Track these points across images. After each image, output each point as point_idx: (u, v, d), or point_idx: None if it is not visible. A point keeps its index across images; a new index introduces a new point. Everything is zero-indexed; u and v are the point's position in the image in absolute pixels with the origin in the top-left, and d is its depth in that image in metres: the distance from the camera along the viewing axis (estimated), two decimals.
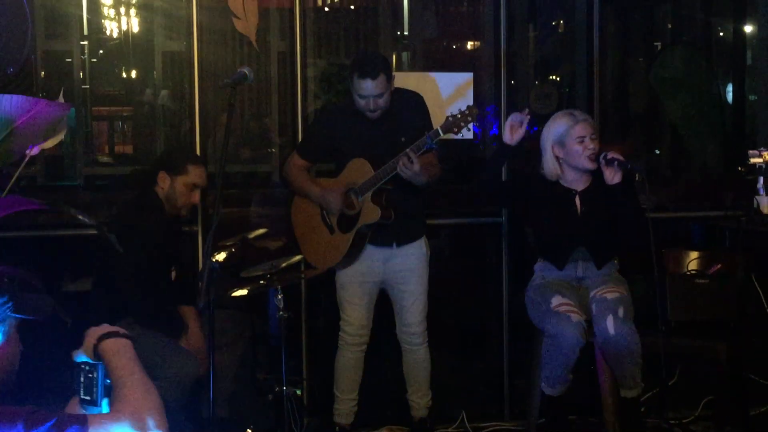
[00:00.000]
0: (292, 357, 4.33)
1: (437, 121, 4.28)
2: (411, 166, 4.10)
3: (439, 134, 4.12)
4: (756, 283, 4.72)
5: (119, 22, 7.57)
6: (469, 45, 7.50)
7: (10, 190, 3.27)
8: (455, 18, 7.39)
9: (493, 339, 5.27)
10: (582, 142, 4.26)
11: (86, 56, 7.77)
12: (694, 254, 4.76)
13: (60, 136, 3.37)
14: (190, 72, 4.86)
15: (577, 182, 4.37)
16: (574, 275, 4.36)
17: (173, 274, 4.34)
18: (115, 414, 2.06)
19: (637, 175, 4.25)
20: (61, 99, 3.45)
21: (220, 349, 4.18)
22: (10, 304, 2.14)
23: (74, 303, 4.44)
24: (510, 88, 5.25)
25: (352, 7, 7.71)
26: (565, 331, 4.07)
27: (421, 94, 4.50)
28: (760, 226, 4.67)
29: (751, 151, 4.94)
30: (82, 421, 2.00)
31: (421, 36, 7.21)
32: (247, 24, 5.02)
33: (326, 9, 7.75)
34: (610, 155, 4.21)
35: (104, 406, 2.18)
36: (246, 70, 3.57)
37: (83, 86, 7.81)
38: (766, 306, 4.72)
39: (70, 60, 7.71)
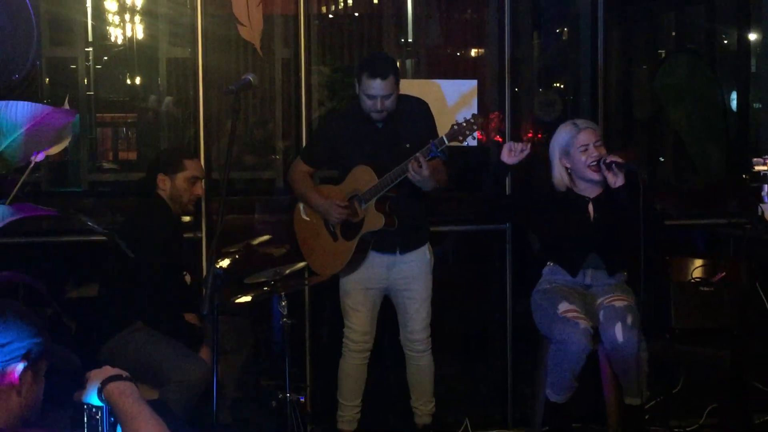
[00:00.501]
0: (295, 363, 4.32)
1: (442, 128, 4.28)
2: (420, 170, 4.09)
3: (444, 143, 4.12)
4: (760, 291, 4.71)
5: (124, 28, 7.58)
6: (474, 52, 7.49)
7: (14, 196, 3.28)
8: (459, 25, 7.39)
9: (497, 346, 5.27)
10: (585, 150, 4.28)
11: (91, 63, 7.79)
12: (698, 262, 4.76)
13: (65, 143, 3.38)
14: (194, 79, 4.88)
15: (589, 190, 4.38)
16: (582, 282, 4.37)
17: (188, 278, 4.36)
18: None
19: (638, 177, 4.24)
20: (66, 106, 3.46)
21: (224, 356, 4.17)
22: (40, 342, 2.17)
23: (78, 309, 4.46)
24: (514, 96, 5.25)
25: (357, 14, 7.72)
26: (573, 338, 4.07)
27: (426, 101, 4.50)
28: (764, 234, 4.65)
29: (755, 159, 4.92)
30: None
31: (426, 43, 7.22)
32: (251, 31, 5.02)
33: (330, 16, 7.76)
34: (608, 159, 4.22)
35: None
36: (251, 77, 3.58)
37: (88, 93, 7.82)
38: None
39: (74, 66, 7.72)
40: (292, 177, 4.55)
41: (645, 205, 4.09)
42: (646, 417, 4.36)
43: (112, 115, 8.67)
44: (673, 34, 7.31)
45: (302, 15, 4.99)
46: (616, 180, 4.21)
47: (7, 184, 3.37)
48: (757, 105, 6.33)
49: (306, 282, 4.54)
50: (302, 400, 4.20)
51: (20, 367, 2.15)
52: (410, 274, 4.44)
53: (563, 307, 4.20)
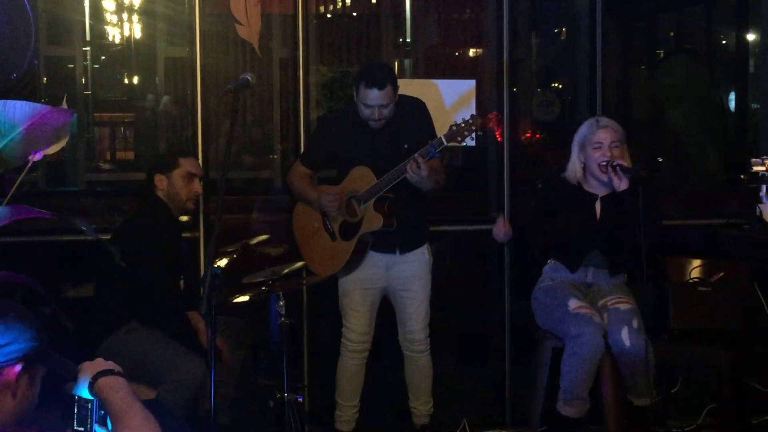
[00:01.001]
0: (293, 363, 4.31)
1: (440, 128, 4.27)
2: (419, 171, 4.09)
3: (443, 143, 4.11)
4: (758, 291, 4.72)
5: (122, 28, 7.59)
6: (472, 52, 7.50)
7: (12, 196, 3.27)
8: (458, 25, 7.39)
9: (495, 345, 5.27)
10: (599, 148, 4.27)
11: (89, 62, 7.79)
12: (696, 262, 4.76)
13: (63, 143, 3.36)
14: (192, 78, 4.87)
15: (598, 189, 4.37)
16: (583, 280, 4.37)
17: (182, 283, 4.36)
18: None
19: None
20: (64, 105, 3.45)
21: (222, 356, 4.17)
22: (39, 345, 2.17)
23: (75, 308, 4.45)
24: (512, 96, 5.24)
25: (355, 14, 7.72)
26: (588, 331, 4.07)
27: (424, 101, 4.49)
28: (762, 234, 4.67)
29: (753, 159, 4.95)
30: None
31: (424, 43, 7.22)
32: (249, 30, 5.02)
33: (329, 16, 7.76)
34: (615, 162, 4.21)
35: None
36: (249, 76, 3.57)
37: (85, 92, 7.83)
38: None
39: (72, 66, 7.73)
40: (290, 179, 4.55)
41: (645, 210, 4.08)
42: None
43: (110, 114, 8.68)
44: (672, 34, 7.32)
45: (300, 14, 4.98)
46: (620, 183, 4.19)
47: (5, 183, 3.36)
48: (755, 105, 6.34)
49: (304, 282, 4.54)
50: (300, 400, 4.19)
51: (17, 368, 2.14)
52: (409, 274, 4.44)
53: (574, 303, 4.19)
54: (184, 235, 4.61)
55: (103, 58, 8.02)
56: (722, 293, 4.48)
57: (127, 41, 7.63)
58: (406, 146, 4.25)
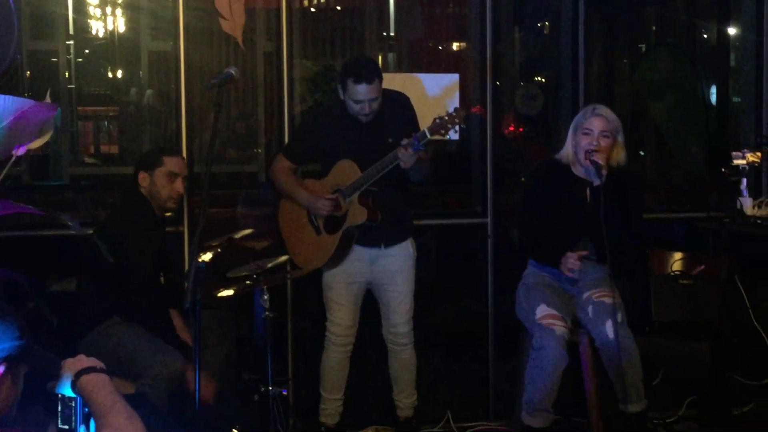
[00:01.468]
0: (277, 357, 4.32)
1: (423, 122, 4.28)
2: (411, 154, 4.08)
3: (426, 136, 4.11)
4: (739, 284, 4.75)
5: (105, 21, 7.57)
6: (455, 46, 7.52)
7: None
8: (441, 19, 7.41)
9: (479, 339, 5.28)
10: (588, 135, 4.24)
11: (72, 56, 7.77)
12: (678, 255, 4.78)
13: (46, 137, 3.37)
14: (176, 72, 4.86)
15: (585, 174, 4.32)
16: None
17: (162, 279, 4.36)
18: None
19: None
20: (47, 99, 3.45)
21: (206, 350, 4.17)
22: (22, 344, 2.16)
23: (59, 303, 4.44)
24: (496, 89, 5.26)
25: (339, 7, 7.73)
26: (549, 344, 4.08)
27: (408, 95, 4.50)
28: (743, 228, 4.70)
29: (734, 153, 4.98)
30: None
31: (408, 37, 7.23)
32: (233, 24, 5.01)
33: (313, 10, 7.77)
34: (594, 157, 4.19)
35: None
36: (233, 71, 3.57)
37: (69, 86, 7.81)
38: (749, 306, 4.74)
39: (55, 60, 7.71)
40: (274, 174, 4.54)
41: (630, 203, 4.08)
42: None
43: (94, 108, 8.66)
44: (654, 28, 7.35)
45: (284, 8, 4.97)
46: (595, 179, 4.19)
47: None
48: (736, 99, 6.37)
49: (288, 276, 4.55)
50: (284, 393, 4.21)
51: (0, 369, 2.13)
52: (393, 268, 4.46)
53: (540, 312, 4.19)
54: (168, 229, 4.61)
55: (87, 52, 8.01)
56: (704, 286, 4.50)
57: (111, 35, 7.61)
58: (390, 140, 4.25)
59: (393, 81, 4.76)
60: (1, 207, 3.13)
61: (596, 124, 4.25)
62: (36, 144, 3.35)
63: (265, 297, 4.06)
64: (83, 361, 2.28)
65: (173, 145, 4.92)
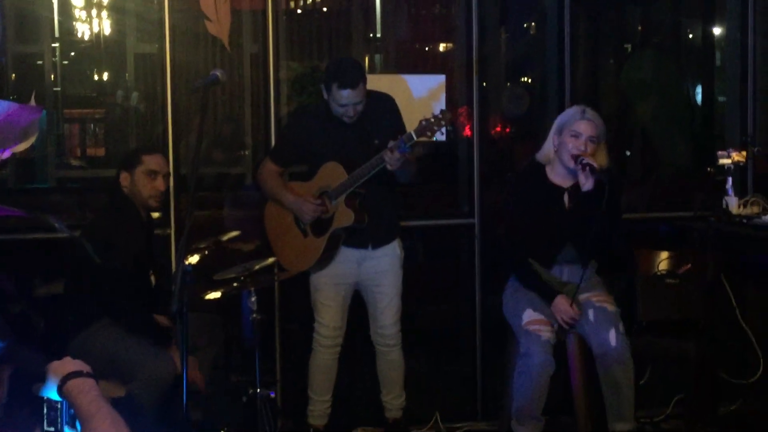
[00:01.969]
0: (265, 359, 4.32)
1: (410, 123, 4.29)
2: (397, 156, 4.08)
3: (413, 138, 4.11)
4: (725, 283, 4.77)
5: (91, 24, 7.54)
6: (442, 47, 7.52)
7: None
8: (427, 20, 7.41)
9: (467, 339, 5.29)
10: (576, 137, 4.21)
11: (57, 58, 7.74)
12: (664, 254, 4.80)
13: (32, 140, 3.34)
14: (162, 74, 4.86)
15: (565, 177, 4.32)
16: (558, 278, 4.32)
17: (153, 278, 4.35)
18: None
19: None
20: (33, 102, 3.44)
21: (194, 352, 4.17)
22: (5, 346, 2.15)
23: (46, 306, 4.44)
24: (482, 90, 5.27)
25: (325, 9, 7.73)
26: (535, 351, 4.07)
27: (394, 96, 4.51)
28: (729, 227, 4.71)
29: (720, 152, 4.99)
30: None
31: (394, 38, 7.23)
32: (219, 26, 5.01)
33: (299, 11, 7.76)
34: (585, 160, 4.16)
35: None
36: (219, 73, 3.55)
37: (54, 88, 7.78)
38: (735, 305, 4.76)
39: (41, 62, 7.68)
40: (261, 177, 4.53)
41: (609, 206, 4.07)
42: None
43: (80, 110, 8.63)
44: (639, 28, 7.36)
45: (270, 10, 4.97)
46: (586, 183, 4.17)
47: None
48: (721, 98, 6.39)
49: (276, 278, 4.54)
50: (272, 395, 4.20)
51: None
52: (381, 269, 4.46)
53: (527, 317, 4.18)
54: (155, 232, 4.60)
55: (73, 54, 7.98)
56: (690, 285, 4.53)
57: (97, 37, 7.59)
58: (376, 142, 4.26)
59: (379, 82, 4.76)
60: None
61: (585, 129, 4.22)
62: (21, 147, 3.32)
63: (253, 299, 4.06)
64: (69, 364, 2.27)
65: (159, 146, 4.91)
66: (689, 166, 6.52)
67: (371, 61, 7.37)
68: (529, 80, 6.94)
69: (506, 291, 4.45)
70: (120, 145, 7.70)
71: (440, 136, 4.32)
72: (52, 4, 7.22)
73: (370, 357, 4.61)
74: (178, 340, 4.10)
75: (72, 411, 2.21)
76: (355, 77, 4.20)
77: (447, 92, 5.24)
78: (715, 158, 5.01)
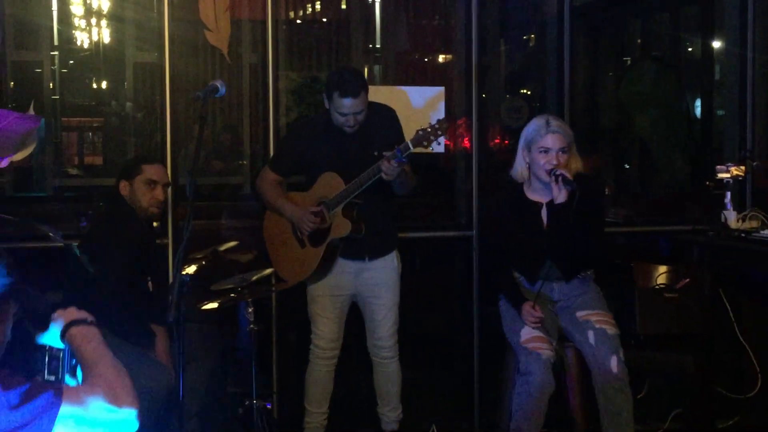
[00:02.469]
0: (262, 370, 4.32)
1: (409, 135, 4.28)
2: (394, 167, 4.07)
3: (410, 148, 4.10)
4: (723, 297, 4.76)
5: (90, 33, 7.55)
6: (441, 58, 7.53)
7: None
8: (427, 32, 7.43)
9: (464, 351, 5.28)
10: (545, 153, 4.11)
11: (56, 67, 7.75)
12: (662, 268, 4.79)
13: (30, 149, 3.34)
14: (161, 83, 4.85)
15: (542, 192, 4.23)
16: (549, 297, 4.27)
17: (150, 285, 4.34)
18: (89, 387, 2.08)
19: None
20: (31, 111, 3.44)
21: (190, 363, 4.16)
22: (11, 282, 2.15)
23: (46, 314, 4.41)
24: (481, 102, 5.27)
25: (325, 19, 7.74)
26: (535, 370, 4.02)
27: (393, 107, 4.50)
28: (727, 241, 4.71)
29: (718, 166, 4.99)
30: (57, 388, 2.03)
31: (393, 49, 7.24)
32: (219, 36, 5.01)
33: (298, 21, 7.77)
34: (558, 171, 4.07)
35: (70, 383, 2.20)
36: (218, 83, 3.55)
37: (53, 97, 7.78)
38: (733, 319, 4.75)
39: (40, 70, 7.69)
40: (261, 187, 4.53)
41: (588, 218, 4.04)
42: None
43: (78, 119, 8.64)
44: (639, 41, 7.38)
45: (270, 20, 4.97)
46: (559, 195, 4.06)
47: None
48: (720, 112, 6.40)
49: (273, 288, 4.53)
50: (269, 406, 4.19)
51: None
52: (378, 281, 4.45)
53: (525, 334, 4.12)
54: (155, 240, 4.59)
55: (72, 62, 7.98)
56: (688, 299, 4.52)
57: (96, 46, 7.60)
58: (376, 153, 4.25)
59: (378, 93, 4.76)
60: None
61: (553, 142, 4.10)
62: (19, 156, 3.32)
63: (250, 310, 4.05)
64: (74, 312, 2.30)
65: (159, 156, 4.90)
66: (688, 179, 6.52)
67: (371, 72, 7.38)
68: (529, 92, 6.95)
69: (500, 304, 4.40)
70: (118, 154, 7.71)
71: (437, 147, 4.29)
72: (51, 12, 7.23)
73: (367, 369, 4.60)
74: (175, 350, 4.11)
75: (74, 361, 2.21)
76: (356, 86, 4.20)
77: (446, 103, 5.24)
78: (714, 172, 5.02)
